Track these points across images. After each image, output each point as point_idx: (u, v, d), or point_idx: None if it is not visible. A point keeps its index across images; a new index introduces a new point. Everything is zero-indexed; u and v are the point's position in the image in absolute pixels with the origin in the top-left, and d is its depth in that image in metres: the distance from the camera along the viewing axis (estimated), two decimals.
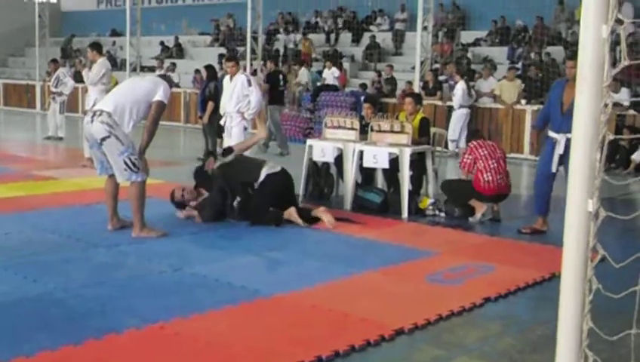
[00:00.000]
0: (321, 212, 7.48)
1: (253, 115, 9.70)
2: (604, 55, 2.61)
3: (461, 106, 14.81)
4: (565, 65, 7.66)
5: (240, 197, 7.42)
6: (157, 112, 6.62)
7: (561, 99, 7.18)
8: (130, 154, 6.47)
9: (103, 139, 6.43)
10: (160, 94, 6.62)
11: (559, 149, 7.12)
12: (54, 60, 17.92)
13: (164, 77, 7.40)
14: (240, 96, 9.62)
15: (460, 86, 14.91)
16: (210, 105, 12.02)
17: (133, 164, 6.49)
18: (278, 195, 7.45)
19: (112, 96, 6.73)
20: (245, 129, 9.82)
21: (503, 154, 8.13)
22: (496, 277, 5.69)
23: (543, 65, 16.65)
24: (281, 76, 14.71)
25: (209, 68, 13.21)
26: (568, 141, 7.00)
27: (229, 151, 7.89)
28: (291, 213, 7.35)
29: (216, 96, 11.67)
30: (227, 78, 10.04)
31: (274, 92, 14.26)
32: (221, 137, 11.44)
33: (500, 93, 15.08)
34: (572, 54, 7.96)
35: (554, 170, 7.23)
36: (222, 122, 9.97)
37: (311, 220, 7.41)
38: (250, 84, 9.68)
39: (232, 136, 9.58)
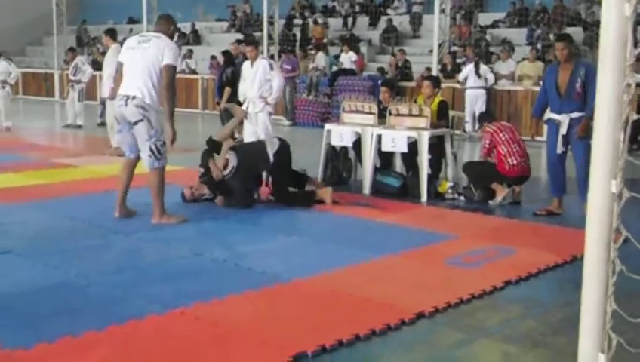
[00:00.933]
0: (323, 192, 7.64)
1: (275, 100, 9.71)
2: (626, 34, 2.56)
3: (471, 88, 14.78)
4: (555, 48, 7.63)
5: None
6: (168, 77, 6.44)
7: (556, 82, 7.25)
8: (156, 140, 6.47)
9: (136, 122, 6.42)
10: (166, 57, 6.43)
11: (562, 130, 7.15)
12: (72, 49, 17.98)
13: (166, 18, 6.96)
14: (262, 80, 9.55)
15: (467, 68, 14.93)
16: (227, 90, 11.99)
17: (158, 151, 6.49)
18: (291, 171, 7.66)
19: (132, 79, 6.51)
20: (270, 114, 9.76)
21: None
22: (517, 260, 5.66)
23: None
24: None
25: (226, 53, 13.21)
26: (572, 121, 7.01)
27: (211, 141, 7.73)
28: (324, 193, 7.59)
29: (233, 81, 11.65)
30: (247, 63, 9.96)
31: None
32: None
33: (521, 73, 15.04)
34: (560, 36, 7.92)
35: (559, 151, 7.22)
36: (244, 108, 9.90)
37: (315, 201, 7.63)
38: (272, 69, 9.63)
39: (259, 122, 9.54)
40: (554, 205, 7.42)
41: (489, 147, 7.88)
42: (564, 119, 7.12)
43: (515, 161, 7.76)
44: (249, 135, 9.68)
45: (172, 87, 6.50)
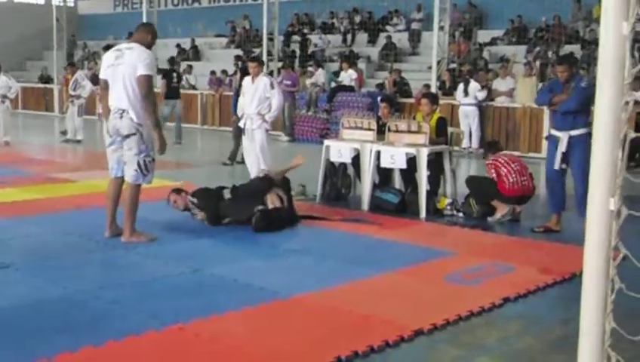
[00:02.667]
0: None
1: (273, 118, 9.75)
2: (624, 53, 2.58)
3: (462, 105, 15.13)
4: (555, 69, 7.70)
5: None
6: (144, 87, 6.28)
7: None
8: (146, 156, 6.43)
9: (128, 135, 6.37)
10: (140, 68, 6.28)
11: (562, 147, 7.16)
12: (71, 64, 18.01)
13: (144, 27, 6.85)
14: (262, 98, 9.57)
15: (460, 85, 15.28)
16: None
17: (146, 167, 6.44)
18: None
19: (121, 93, 6.36)
20: (267, 131, 9.79)
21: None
22: (516, 277, 5.66)
23: None
24: (175, 74, 16.52)
25: (243, 69, 13.38)
26: (571, 138, 7.04)
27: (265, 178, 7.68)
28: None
29: None
30: (248, 79, 10.00)
31: (168, 88, 15.75)
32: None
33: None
34: (561, 58, 7.96)
35: (557, 167, 7.25)
36: (241, 124, 9.94)
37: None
38: (272, 87, 9.67)
39: (255, 139, 9.57)
40: (552, 222, 7.43)
41: (495, 175, 7.91)
42: (563, 136, 7.15)
43: (513, 179, 7.76)
44: (248, 151, 9.73)
45: (150, 96, 6.34)
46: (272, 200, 7.29)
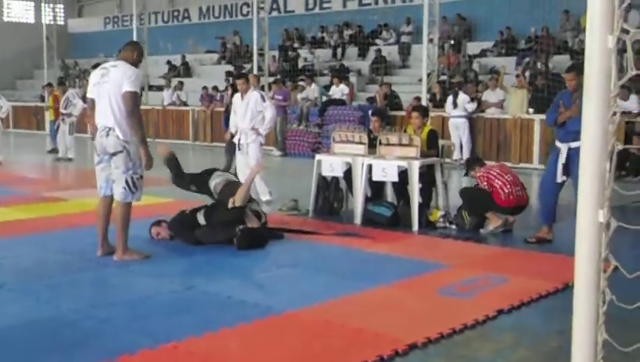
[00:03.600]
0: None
1: (267, 130, 9.94)
2: (610, 65, 2.60)
3: (452, 117, 15.27)
4: (565, 78, 7.68)
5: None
6: (128, 104, 6.24)
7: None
8: (133, 173, 6.39)
9: (115, 153, 6.35)
10: (125, 85, 6.25)
11: (562, 158, 7.18)
12: (61, 83, 18.03)
13: (131, 45, 6.75)
14: (254, 112, 9.74)
15: (449, 97, 15.45)
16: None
17: (134, 184, 6.40)
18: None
19: (108, 111, 6.35)
20: (261, 145, 9.89)
21: None
22: (509, 288, 5.66)
23: (549, 75, 16.63)
24: None
25: (234, 85, 13.42)
26: (571, 150, 7.05)
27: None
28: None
29: None
30: (237, 95, 10.10)
31: None
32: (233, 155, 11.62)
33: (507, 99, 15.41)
34: (569, 67, 7.98)
35: (559, 180, 7.26)
36: (235, 140, 10.02)
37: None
38: (264, 100, 9.81)
39: (250, 154, 9.67)
40: (543, 231, 7.44)
41: (488, 186, 7.92)
42: (564, 148, 7.17)
43: (508, 190, 7.79)
44: (241, 166, 9.76)
45: (135, 113, 6.30)
46: (250, 223, 7.19)
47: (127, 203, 6.46)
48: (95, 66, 11.72)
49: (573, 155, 7.09)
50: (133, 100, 6.29)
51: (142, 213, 7.34)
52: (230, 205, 7.08)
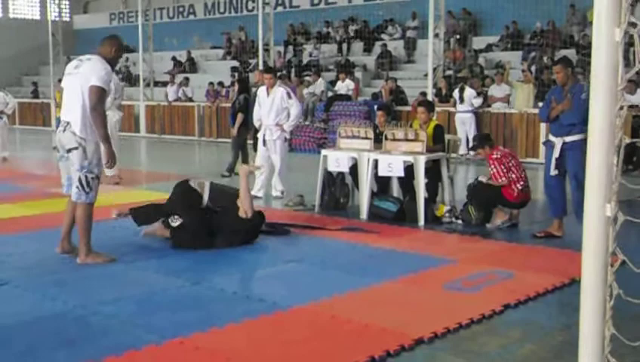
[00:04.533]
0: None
1: (292, 127, 10.04)
2: (617, 59, 2.59)
3: (459, 111, 15.31)
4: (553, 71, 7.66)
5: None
6: (92, 99, 6.02)
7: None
8: (87, 172, 6.13)
9: (70, 150, 6.15)
10: (92, 79, 6.05)
11: (555, 153, 7.18)
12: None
13: (109, 40, 6.46)
14: (280, 109, 9.80)
15: (455, 92, 15.49)
16: (240, 117, 12.15)
17: (87, 184, 6.14)
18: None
19: (70, 105, 6.20)
20: (286, 140, 9.97)
21: None
22: (516, 283, 5.65)
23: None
24: None
25: (241, 81, 13.45)
26: (565, 144, 7.04)
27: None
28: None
29: (246, 108, 11.83)
30: (263, 89, 10.09)
31: None
32: (245, 151, 11.66)
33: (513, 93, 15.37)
34: (557, 60, 7.96)
35: (552, 173, 7.24)
36: (259, 135, 10.05)
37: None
38: (290, 97, 9.85)
39: (277, 149, 9.75)
40: (554, 227, 7.41)
41: (504, 171, 7.80)
42: (558, 142, 7.15)
43: (521, 186, 7.77)
44: (263, 160, 9.79)
45: (98, 108, 6.04)
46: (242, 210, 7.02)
47: (86, 204, 6.23)
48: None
49: (568, 149, 7.07)
50: (97, 95, 6.06)
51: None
52: (243, 215, 7.00)
